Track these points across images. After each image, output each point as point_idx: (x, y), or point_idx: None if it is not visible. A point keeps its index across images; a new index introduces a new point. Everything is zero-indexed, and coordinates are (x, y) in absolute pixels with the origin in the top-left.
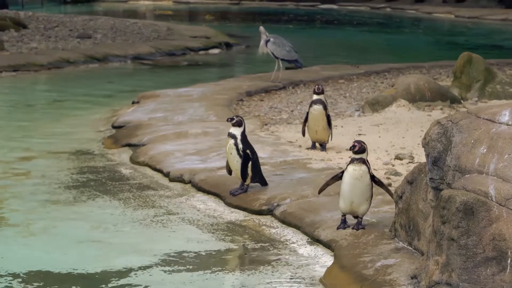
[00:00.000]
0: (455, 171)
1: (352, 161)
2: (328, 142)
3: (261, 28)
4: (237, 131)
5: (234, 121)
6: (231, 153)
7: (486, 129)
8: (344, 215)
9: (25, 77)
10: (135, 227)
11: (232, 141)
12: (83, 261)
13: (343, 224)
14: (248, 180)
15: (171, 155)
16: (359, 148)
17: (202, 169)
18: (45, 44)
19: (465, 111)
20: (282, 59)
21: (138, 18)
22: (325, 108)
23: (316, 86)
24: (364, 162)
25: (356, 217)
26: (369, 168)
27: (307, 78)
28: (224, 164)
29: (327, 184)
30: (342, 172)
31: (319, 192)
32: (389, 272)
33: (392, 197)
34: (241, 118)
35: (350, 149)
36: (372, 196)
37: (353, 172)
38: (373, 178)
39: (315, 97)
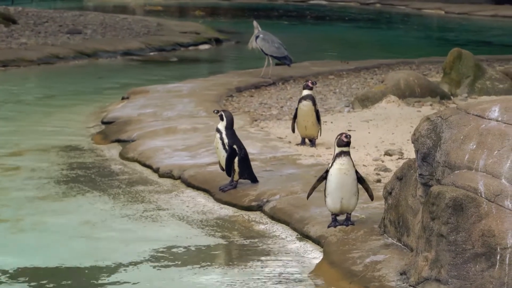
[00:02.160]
0: (444, 167)
1: (339, 155)
2: (317, 138)
3: (254, 23)
4: (221, 126)
5: (218, 114)
6: (217, 148)
7: (475, 125)
8: (333, 214)
9: (15, 73)
10: (124, 222)
11: (217, 135)
12: (72, 256)
13: (334, 222)
14: (236, 176)
15: (160, 151)
16: (349, 140)
17: (191, 165)
18: (34, 39)
19: (454, 107)
20: (271, 56)
21: (128, 14)
22: (314, 103)
23: (309, 81)
24: (349, 155)
25: (339, 215)
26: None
27: (297, 74)
28: (214, 160)
29: (313, 188)
30: (326, 172)
31: (308, 197)
32: (378, 268)
33: (370, 197)
34: (223, 112)
35: (341, 144)
36: (358, 191)
37: (340, 167)
38: (356, 173)
39: (304, 92)
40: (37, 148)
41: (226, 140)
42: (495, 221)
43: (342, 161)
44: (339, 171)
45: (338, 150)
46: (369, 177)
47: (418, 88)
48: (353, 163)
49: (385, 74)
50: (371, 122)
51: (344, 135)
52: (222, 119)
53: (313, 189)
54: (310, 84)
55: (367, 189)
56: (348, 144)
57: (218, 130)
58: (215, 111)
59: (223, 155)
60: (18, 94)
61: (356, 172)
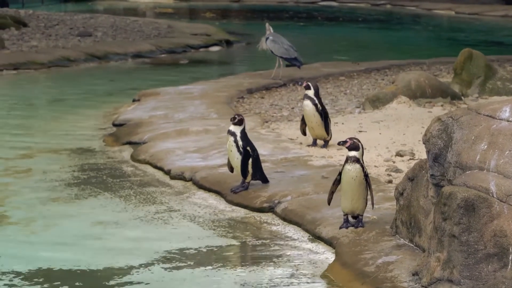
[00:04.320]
0: (456, 167)
1: (347, 160)
2: (329, 139)
3: (267, 24)
4: (236, 129)
5: (236, 120)
6: (231, 151)
7: (486, 125)
8: (346, 214)
9: (26, 76)
10: (136, 224)
11: (232, 138)
12: (84, 258)
13: (346, 223)
14: (249, 178)
15: (172, 153)
16: (350, 145)
17: (203, 167)
18: (45, 42)
19: (465, 107)
20: (280, 57)
21: (138, 16)
22: (314, 103)
23: (305, 83)
24: (358, 160)
25: (355, 217)
26: (363, 167)
27: (308, 75)
28: (225, 161)
29: (331, 192)
30: (340, 174)
31: (328, 202)
32: (391, 269)
33: (372, 205)
34: (242, 116)
35: (339, 143)
36: (367, 195)
37: (348, 172)
38: (366, 177)
39: (305, 92)
40: (48, 150)
41: (240, 143)
42: (507, 221)
43: (349, 167)
44: (347, 176)
45: (348, 154)
46: (381, 178)
47: (429, 88)
48: (362, 168)
49: (395, 75)
50: (382, 123)
51: (348, 140)
52: (240, 124)
53: (332, 193)
54: (308, 85)
55: (371, 198)
56: (354, 148)
57: (232, 134)
58: (232, 119)
59: (236, 157)
60: (29, 97)
61: (367, 176)
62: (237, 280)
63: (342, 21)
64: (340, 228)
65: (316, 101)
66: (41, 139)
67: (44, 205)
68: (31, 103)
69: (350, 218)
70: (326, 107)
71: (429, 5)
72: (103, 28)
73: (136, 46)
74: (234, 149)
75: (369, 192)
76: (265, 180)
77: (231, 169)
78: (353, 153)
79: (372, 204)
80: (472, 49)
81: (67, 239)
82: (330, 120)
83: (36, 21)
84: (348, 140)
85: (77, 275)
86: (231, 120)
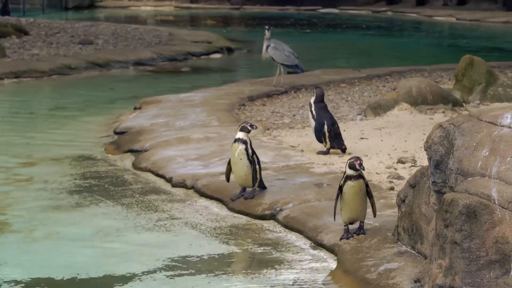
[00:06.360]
0: (457, 174)
1: (350, 178)
2: (328, 147)
3: (266, 32)
4: (247, 137)
5: (252, 128)
6: (241, 159)
7: (488, 132)
8: (346, 225)
9: (27, 84)
10: (138, 231)
11: (242, 146)
12: (86, 266)
13: (346, 234)
14: (256, 185)
15: (173, 161)
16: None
17: (204, 175)
18: (46, 50)
19: (467, 114)
20: (281, 64)
21: (139, 24)
22: (310, 110)
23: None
24: (361, 176)
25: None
26: (364, 179)
27: (309, 83)
28: None
29: (336, 207)
30: (340, 188)
31: (334, 217)
32: (392, 276)
33: (374, 213)
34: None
35: (353, 168)
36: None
37: (352, 188)
38: (367, 187)
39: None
40: (49, 158)
41: (250, 151)
42: (509, 228)
43: (353, 183)
44: (351, 191)
45: (350, 172)
46: (382, 185)
47: (430, 95)
48: (364, 181)
49: (397, 81)
50: (383, 130)
51: (358, 162)
52: (249, 131)
53: (336, 208)
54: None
55: (372, 205)
56: (354, 168)
57: (244, 142)
58: (253, 126)
59: (246, 165)
60: (31, 105)
61: (367, 186)
62: (239, 287)
63: (343, 28)
64: (341, 239)
65: (313, 108)
66: (42, 147)
67: (46, 213)
68: (32, 111)
69: (351, 227)
70: None
71: (430, 12)
72: (104, 36)
73: (137, 53)
74: (244, 157)
75: (369, 201)
76: (263, 187)
77: (228, 178)
78: (357, 173)
79: (374, 213)
80: (473, 55)
81: (69, 247)
82: (331, 129)
83: (37, 29)
84: (361, 162)
85: (79, 284)
86: (243, 129)
